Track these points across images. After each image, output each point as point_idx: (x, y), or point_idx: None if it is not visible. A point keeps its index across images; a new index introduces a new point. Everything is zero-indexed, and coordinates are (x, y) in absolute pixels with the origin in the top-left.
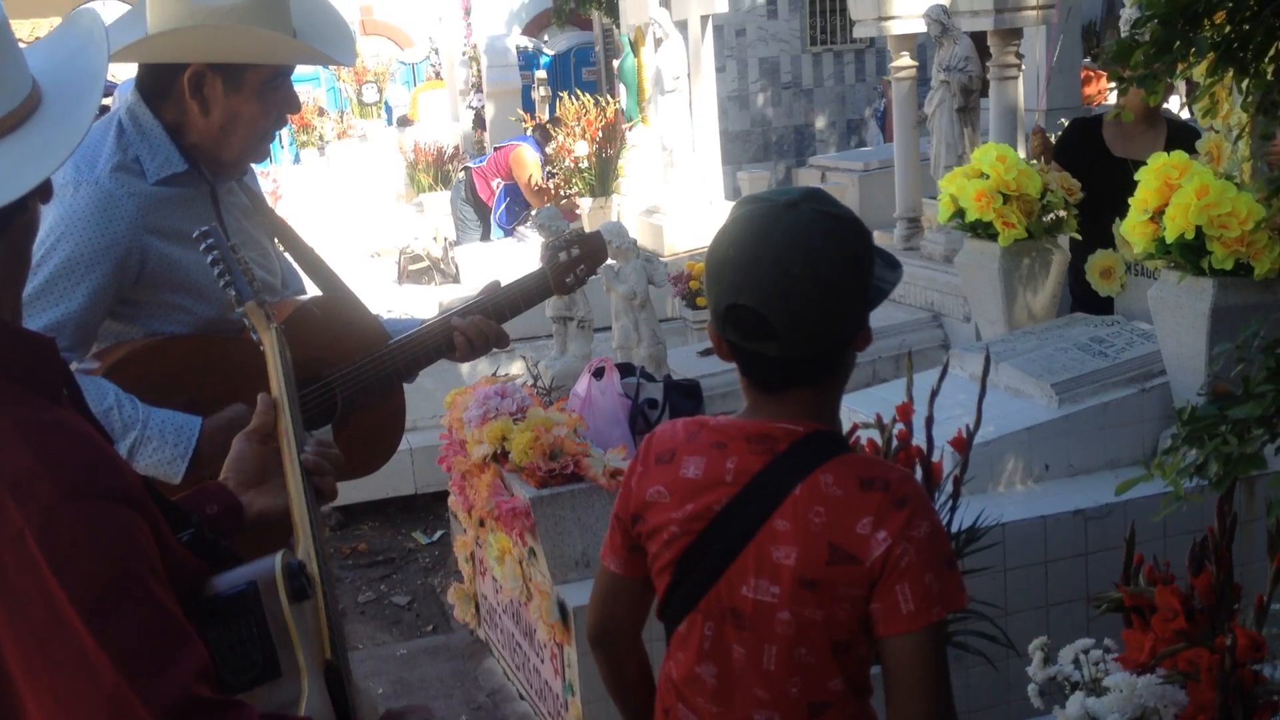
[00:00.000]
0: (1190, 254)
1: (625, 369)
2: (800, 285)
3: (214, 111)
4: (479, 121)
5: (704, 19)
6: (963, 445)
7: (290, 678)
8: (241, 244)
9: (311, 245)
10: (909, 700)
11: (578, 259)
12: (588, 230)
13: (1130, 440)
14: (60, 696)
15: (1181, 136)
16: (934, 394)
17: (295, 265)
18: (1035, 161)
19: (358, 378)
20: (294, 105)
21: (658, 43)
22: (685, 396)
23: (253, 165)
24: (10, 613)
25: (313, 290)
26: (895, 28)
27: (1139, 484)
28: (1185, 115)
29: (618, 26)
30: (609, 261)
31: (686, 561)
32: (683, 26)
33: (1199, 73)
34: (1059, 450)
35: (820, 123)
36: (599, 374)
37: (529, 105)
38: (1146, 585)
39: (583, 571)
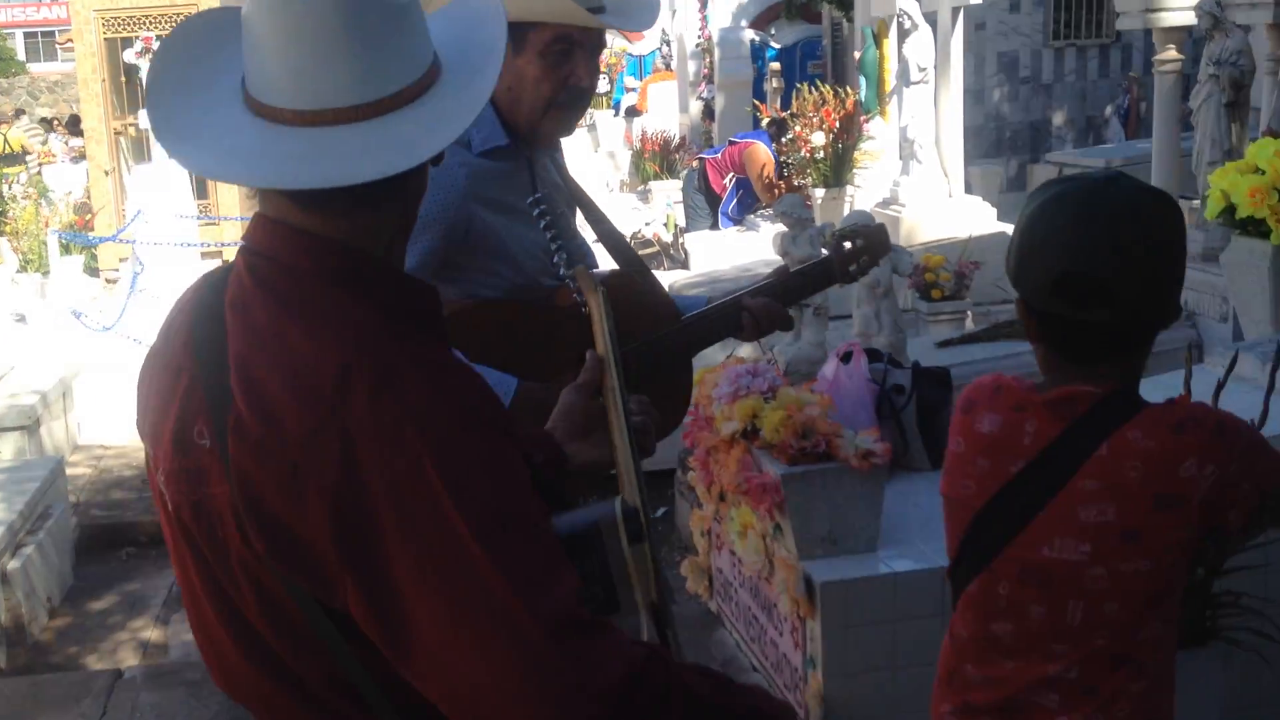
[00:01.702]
0: None
1: (872, 354)
2: (1137, 250)
3: (505, 73)
4: (708, 112)
5: (955, 10)
6: None
7: (629, 613)
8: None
9: (612, 221)
10: None
11: (861, 249)
12: (819, 222)
13: None
14: (454, 607)
15: None
16: (1220, 385)
17: (596, 240)
18: None
19: (651, 352)
20: (581, 77)
21: (904, 34)
22: (934, 384)
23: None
24: (405, 531)
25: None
26: (1164, 20)
27: None
28: None
29: (849, 20)
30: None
31: (980, 522)
32: (930, 18)
33: None
34: None
35: (1058, 119)
36: (847, 358)
37: (760, 97)
38: None
39: (828, 549)
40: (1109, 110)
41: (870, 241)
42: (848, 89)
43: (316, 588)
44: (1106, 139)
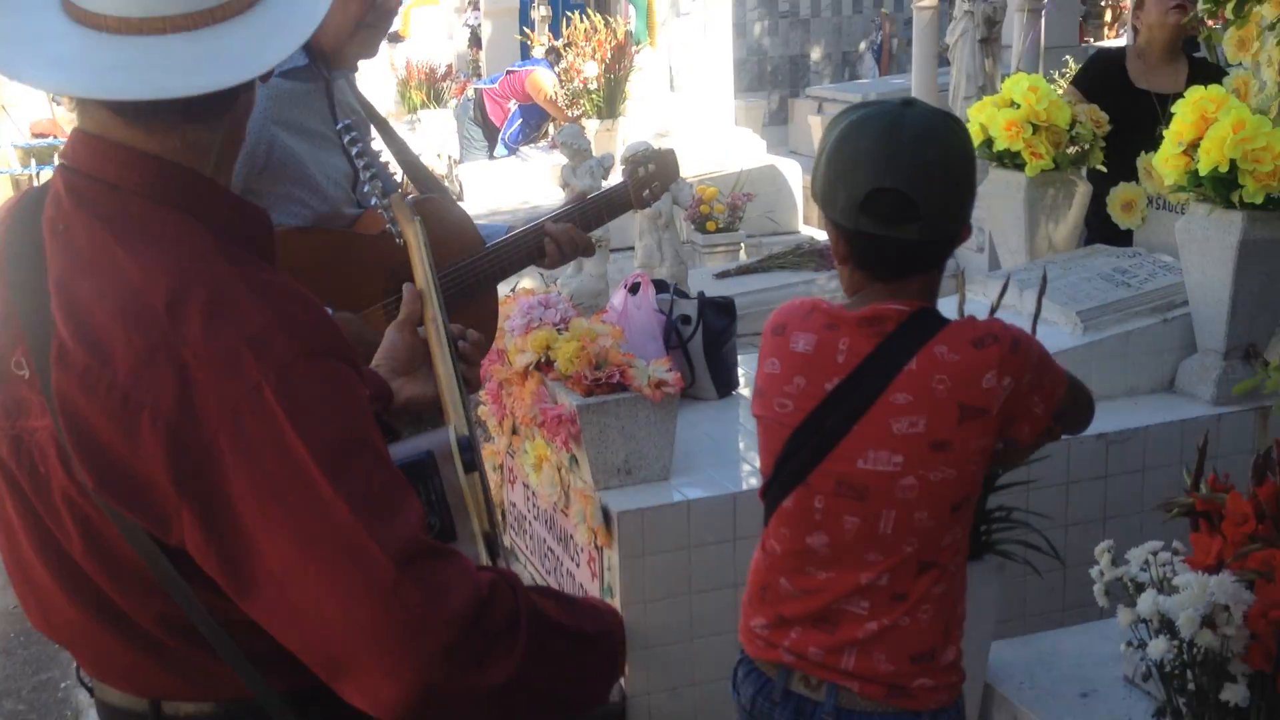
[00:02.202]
0: (1222, 187)
1: (659, 285)
2: (939, 167)
3: None
4: (475, 40)
5: None
6: None
7: (466, 542)
8: None
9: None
10: (1071, 423)
11: (654, 175)
12: (596, 153)
13: (1151, 368)
14: (298, 538)
15: (1203, 72)
16: (993, 310)
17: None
18: None
19: (458, 279)
20: None
21: None
22: (719, 313)
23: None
24: (245, 461)
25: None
26: None
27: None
28: None
29: None
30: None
31: (796, 439)
32: None
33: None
34: (1082, 376)
35: (815, 54)
36: (634, 289)
37: (527, 24)
38: (1212, 493)
39: (623, 479)
40: (863, 46)
41: (661, 167)
42: (618, 19)
43: (151, 523)
44: (861, 74)
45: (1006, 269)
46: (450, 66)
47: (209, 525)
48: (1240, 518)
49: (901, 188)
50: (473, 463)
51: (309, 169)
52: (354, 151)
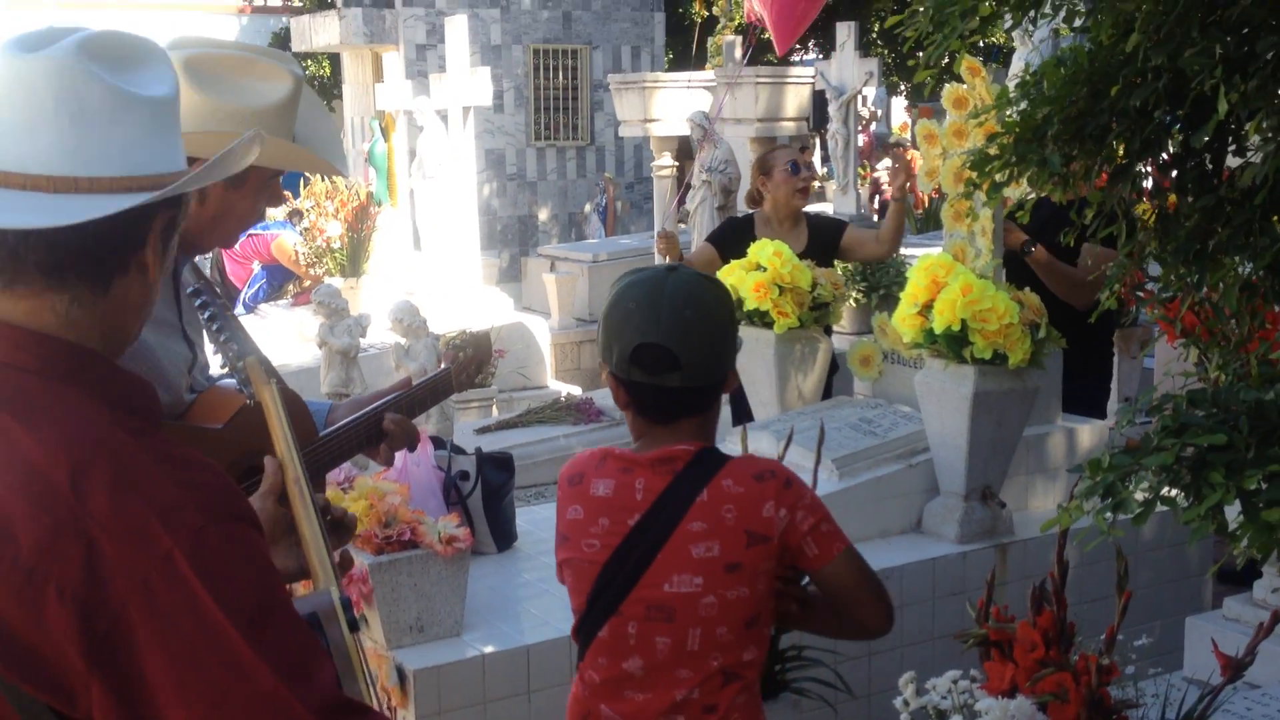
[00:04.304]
0: (954, 344)
1: (436, 442)
2: (696, 324)
3: (210, 203)
4: None
5: (465, 110)
6: None
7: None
8: (188, 325)
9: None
10: (860, 604)
11: (472, 358)
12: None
13: (899, 511)
14: (218, 703)
15: (821, 230)
16: (781, 458)
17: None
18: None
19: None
20: (279, 199)
21: (419, 130)
22: (497, 468)
23: None
24: (159, 629)
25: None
26: (658, 129)
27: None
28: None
29: (330, 109)
30: (399, 340)
31: (606, 572)
32: (440, 115)
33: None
34: (839, 519)
35: (543, 214)
36: (412, 447)
37: None
38: (998, 624)
39: (416, 637)
40: (589, 208)
41: (478, 350)
42: (360, 180)
43: (55, 698)
44: (588, 234)
45: (786, 420)
46: None
47: (121, 697)
48: (1030, 644)
49: (663, 343)
50: (355, 622)
51: (160, 361)
52: (206, 315)
